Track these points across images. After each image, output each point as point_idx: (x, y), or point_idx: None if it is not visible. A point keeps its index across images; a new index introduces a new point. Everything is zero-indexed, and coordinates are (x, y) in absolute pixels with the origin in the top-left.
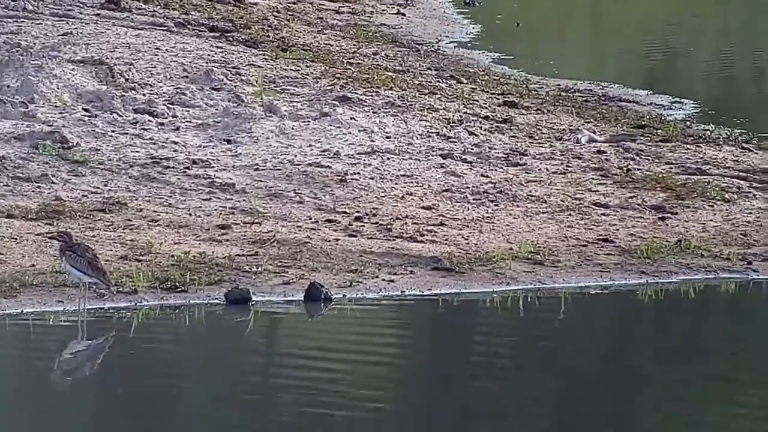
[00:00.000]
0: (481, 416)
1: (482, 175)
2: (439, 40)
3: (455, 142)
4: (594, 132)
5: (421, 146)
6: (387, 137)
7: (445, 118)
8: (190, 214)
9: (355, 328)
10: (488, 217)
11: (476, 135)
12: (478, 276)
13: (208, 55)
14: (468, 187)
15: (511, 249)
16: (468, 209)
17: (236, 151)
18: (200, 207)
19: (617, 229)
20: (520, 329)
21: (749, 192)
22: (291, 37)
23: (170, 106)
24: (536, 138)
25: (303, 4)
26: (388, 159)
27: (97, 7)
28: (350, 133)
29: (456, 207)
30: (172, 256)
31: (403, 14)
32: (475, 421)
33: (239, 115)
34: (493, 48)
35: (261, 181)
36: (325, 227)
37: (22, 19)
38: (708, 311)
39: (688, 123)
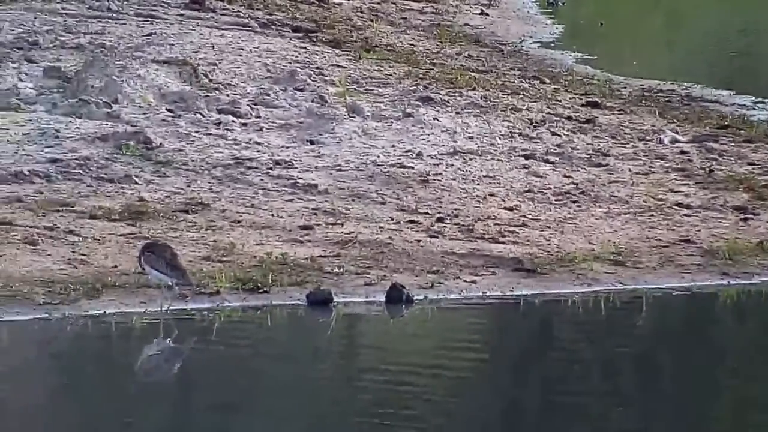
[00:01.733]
0: (563, 418)
1: (565, 176)
2: (523, 40)
3: (538, 142)
4: (677, 132)
5: (503, 147)
6: (470, 138)
7: (528, 119)
8: (272, 215)
9: (436, 329)
10: (570, 217)
11: (559, 135)
12: (559, 277)
13: (292, 55)
14: (550, 188)
15: (593, 250)
16: (550, 210)
17: (319, 152)
18: (283, 208)
19: (699, 230)
20: (602, 330)
21: None
22: (374, 37)
23: (254, 106)
24: (619, 138)
25: (387, 4)
26: (471, 159)
27: (181, 7)
28: (433, 133)
29: (538, 208)
30: (255, 257)
31: (487, 14)
32: (556, 423)
33: (322, 115)
34: (576, 48)
35: (343, 181)
36: (407, 228)
37: (106, 20)
38: None
39: None
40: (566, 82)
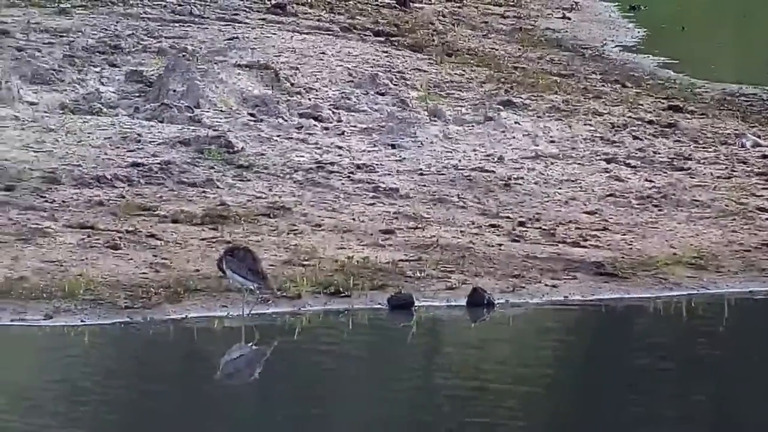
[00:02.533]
0: (644, 423)
1: (646, 180)
2: (604, 44)
3: (619, 146)
4: (759, 136)
5: (585, 151)
6: (551, 142)
7: (610, 123)
8: (354, 219)
9: (518, 333)
10: (652, 221)
11: (640, 139)
12: (640, 281)
13: (374, 59)
14: (632, 192)
15: (675, 254)
16: (631, 214)
17: (400, 156)
18: (364, 212)
19: None
20: (684, 335)
21: None
22: (456, 41)
23: (335, 110)
24: (700, 142)
25: (468, 8)
26: (552, 163)
27: (263, 11)
28: (514, 137)
29: (619, 212)
30: (336, 260)
31: (569, 18)
32: (638, 428)
33: (404, 119)
34: (657, 52)
35: (425, 185)
36: (489, 232)
37: (188, 24)
38: None
39: None
40: (648, 86)
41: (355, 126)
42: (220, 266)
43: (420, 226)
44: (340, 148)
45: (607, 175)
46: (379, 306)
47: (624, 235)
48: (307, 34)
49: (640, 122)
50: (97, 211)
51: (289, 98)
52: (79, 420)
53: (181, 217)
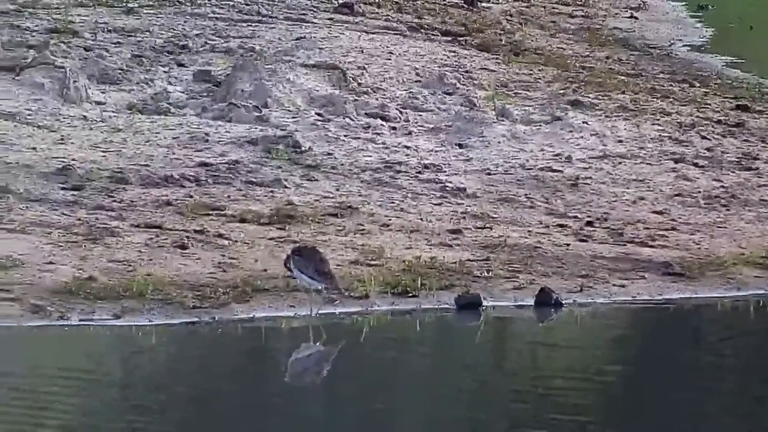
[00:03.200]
0: (715, 422)
1: (714, 180)
2: (672, 44)
3: (687, 146)
4: None
5: (653, 150)
6: (619, 141)
7: (678, 122)
8: (421, 219)
9: (585, 333)
10: (720, 221)
11: (709, 139)
12: (708, 281)
13: (441, 59)
14: (700, 192)
15: (743, 254)
16: (699, 214)
17: (468, 156)
18: (431, 211)
19: None
20: (752, 334)
21: None
22: (524, 40)
23: (402, 110)
24: None
25: (536, 7)
26: (620, 163)
27: (330, 11)
28: (582, 137)
29: (687, 211)
30: (403, 260)
31: (636, 17)
32: (709, 428)
33: (471, 119)
34: (725, 51)
35: (492, 185)
36: (556, 232)
37: (256, 24)
38: None
39: None
40: (716, 86)
41: (422, 126)
42: (287, 266)
43: (487, 225)
44: (407, 147)
45: (675, 174)
46: (446, 306)
47: (692, 234)
48: (374, 33)
49: (708, 122)
50: (165, 210)
51: (356, 98)
52: (146, 415)
53: (249, 216)
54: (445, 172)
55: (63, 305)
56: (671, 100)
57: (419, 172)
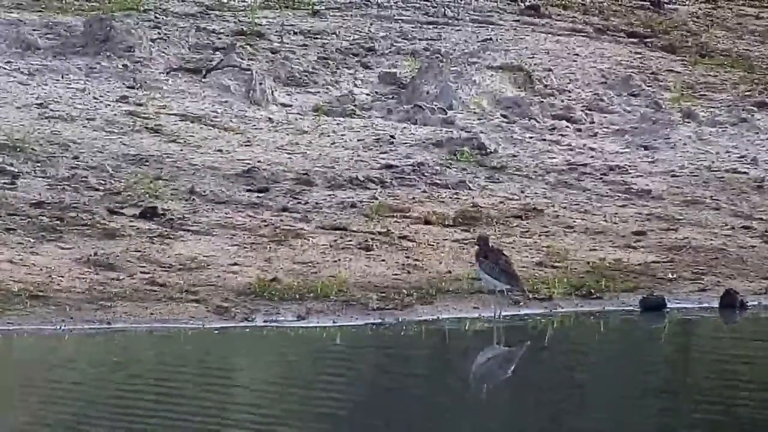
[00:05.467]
0: None
1: None
2: None
3: None
4: None
5: None
6: None
7: None
8: (606, 221)
9: None
10: None
11: None
12: None
13: (627, 61)
14: None
15: None
16: None
17: (653, 158)
18: (616, 213)
19: None
20: None
21: None
22: (710, 42)
23: (588, 112)
24: None
25: (723, 9)
26: None
27: (516, 13)
28: None
29: None
30: (588, 262)
31: None
32: None
33: (657, 120)
34: None
35: (677, 187)
36: (742, 234)
37: (442, 26)
38: None
39: None
40: None
41: (607, 127)
42: (478, 260)
43: (672, 227)
44: (592, 149)
45: None
46: (630, 308)
47: None
48: (560, 35)
49: None
50: (349, 212)
51: (542, 100)
52: (332, 418)
53: (433, 218)
54: (630, 174)
55: (247, 306)
56: None
57: (604, 174)
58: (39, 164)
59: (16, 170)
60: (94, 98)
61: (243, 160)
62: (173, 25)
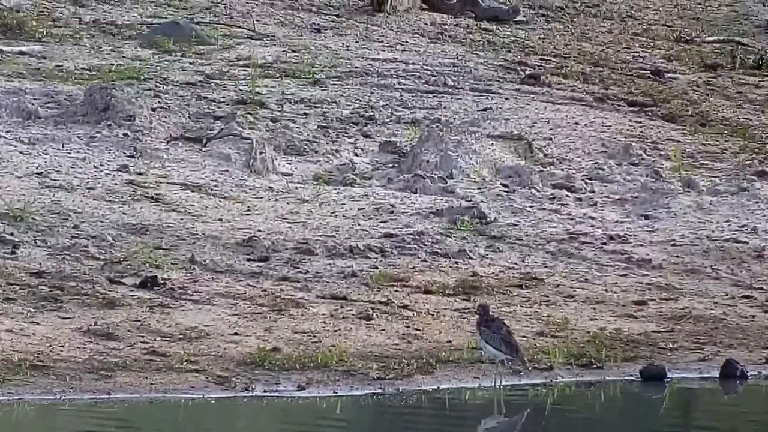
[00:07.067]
0: None
1: None
2: None
3: None
4: None
5: None
6: None
7: None
8: (606, 290)
9: None
10: None
11: None
12: None
13: (627, 129)
14: None
15: None
16: None
17: (653, 227)
18: (616, 282)
19: None
20: None
21: None
22: (710, 111)
23: (588, 181)
24: None
25: (723, 78)
26: None
27: (516, 81)
28: None
29: None
30: (588, 332)
31: None
32: None
33: (657, 190)
34: None
35: (678, 256)
36: (742, 303)
37: (442, 95)
38: None
39: None
40: None
41: (607, 197)
42: (478, 329)
43: (672, 297)
44: (592, 218)
45: None
46: (631, 377)
47: None
48: (560, 104)
49: None
50: (350, 281)
51: (542, 169)
52: None
53: (434, 287)
54: (631, 243)
55: (247, 376)
56: None
57: (604, 243)
58: (39, 234)
59: (17, 239)
60: (95, 167)
61: (243, 229)
62: (174, 94)
